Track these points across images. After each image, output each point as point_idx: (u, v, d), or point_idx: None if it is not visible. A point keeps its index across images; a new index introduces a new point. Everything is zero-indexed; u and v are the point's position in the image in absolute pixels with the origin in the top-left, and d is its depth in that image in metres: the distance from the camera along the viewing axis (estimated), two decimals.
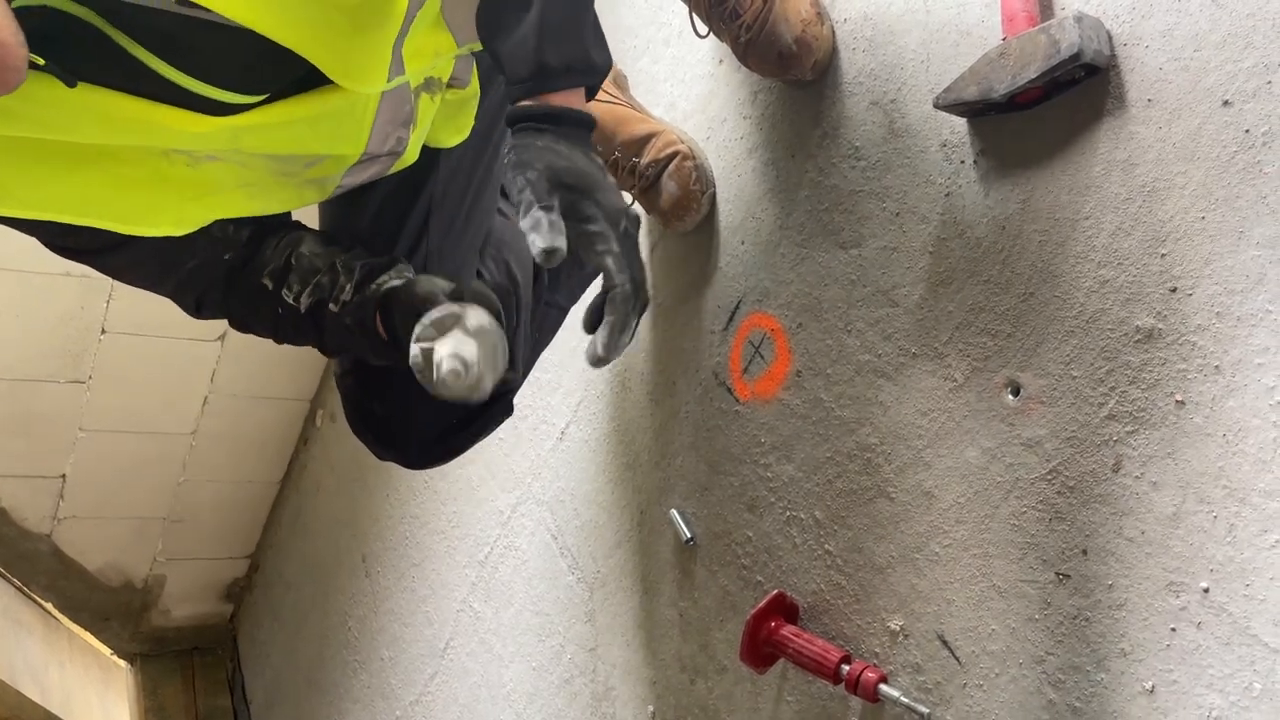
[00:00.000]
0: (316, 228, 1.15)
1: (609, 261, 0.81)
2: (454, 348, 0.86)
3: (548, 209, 0.78)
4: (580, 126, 0.84)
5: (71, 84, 0.71)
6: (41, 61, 0.68)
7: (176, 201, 0.86)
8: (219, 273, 1.02)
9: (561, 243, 0.78)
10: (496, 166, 1.20)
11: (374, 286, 1.01)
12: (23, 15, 0.66)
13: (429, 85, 0.94)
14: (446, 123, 1.08)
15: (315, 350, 1.10)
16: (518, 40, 0.82)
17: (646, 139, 1.36)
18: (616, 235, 0.82)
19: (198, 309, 1.05)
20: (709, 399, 1.35)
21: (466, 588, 1.90)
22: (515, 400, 1.27)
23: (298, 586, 2.74)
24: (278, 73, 0.80)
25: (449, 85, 1.01)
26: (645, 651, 1.43)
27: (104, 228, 0.84)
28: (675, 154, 1.34)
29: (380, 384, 1.13)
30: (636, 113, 1.41)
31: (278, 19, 0.72)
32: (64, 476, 2.57)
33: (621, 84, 1.49)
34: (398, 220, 1.11)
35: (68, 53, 0.70)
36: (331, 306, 1.02)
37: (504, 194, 1.29)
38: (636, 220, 0.84)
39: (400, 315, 0.95)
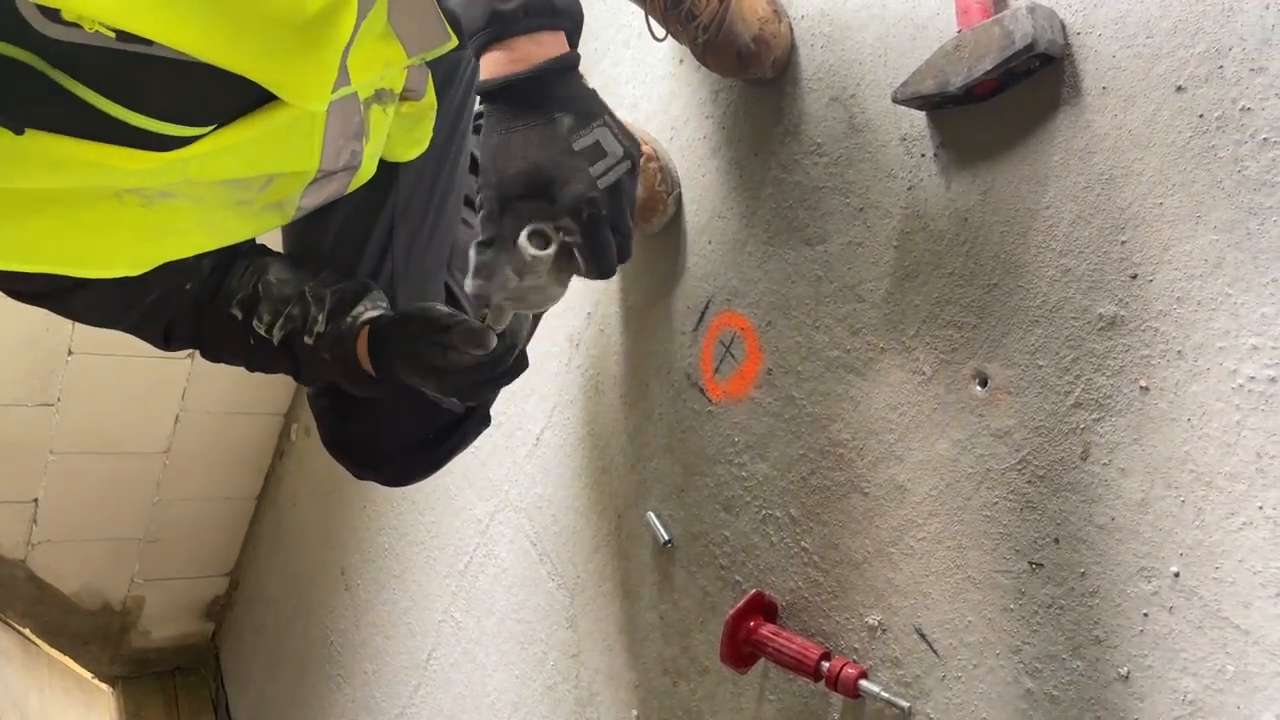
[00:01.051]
0: (280, 249, 1.14)
1: (578, 256, 0.81)
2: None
3: (482, 247, 0.78)
4: (540, 85, 0.78)
5: (19, 132, 0.69)
6: None
7: (132, 243, 0.84)
8: (185, 303, 1.01)
9: (485, 290, 0.80)
10: (459, 177, 1.19)
11: (350, 319, 1.00)
12: None
13: (380, 97, 0.93)
14: (403, 136, 1.07)
15: None
16: None
17: None
18: (581, 226, 0.79)
19: (166, 341, 1.04)
20: (682, 400, 1.35)
21: (447, 598, 1.89)
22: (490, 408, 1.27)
23: (278, 602, 2.72)
24: (227, 100, 0.78)
25: (403, 97, 1.00)
26: (627, 656, 1.42)
27: (58, 273, 0.82)
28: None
29: (355, 403, 1.12)
30: None
31: (226, 46, 0.70)
32: (36, 501, 2.54)
33: None
34: (361, 238, 1.10)
35: (9, 97, 0.68)
36: (306, 339, 1.01)
37: (469, 203, 1.28)
38: (607, 196, 0.80)
39: (417, 337, 0.95)
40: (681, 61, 1.37)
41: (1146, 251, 0.84)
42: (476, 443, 1.27)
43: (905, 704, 1.02)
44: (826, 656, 1.08)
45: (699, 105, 1.34)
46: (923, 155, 1.04)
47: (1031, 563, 0.92)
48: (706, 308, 1.31)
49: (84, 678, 2.99)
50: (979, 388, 0.98)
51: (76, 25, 0.62)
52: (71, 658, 2.93)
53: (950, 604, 0.99)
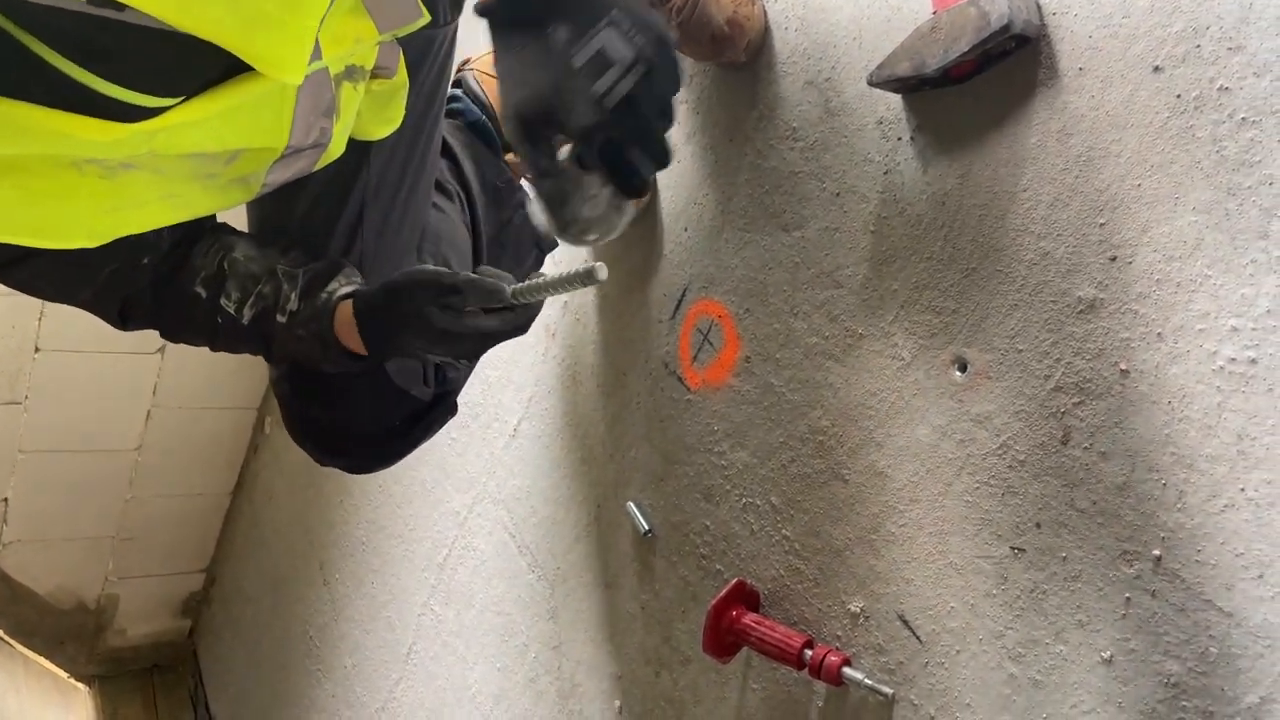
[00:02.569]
0: (245, 229, 1.11)
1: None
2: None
3: (540, 179, 0.75)
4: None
5: None
6: None
7: (90, 214, 0.82)
8: (143, 280, 0.98)
9: (555, 222, 0.77)
10: (431, 159, 1.17)
11: (325, 295, 0.98)
12: None
13: (351, 74, 0.91)
14: (374, 115, 1.05)
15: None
16: None
17: None
18: (595, 155, 0.74)
19: (123, 320, 1.01)
20: (660, 389, 1.34)
21: (427, 591, 1.87)
22: (465, 399, 1.25)
23: (256, 598, 2.70)
24: (198, 71, 0.76)
25: (374, 75, 0.98)
26: (609, 646, 1.41)
27: (12, 243, 0.80)
28: None
29: (318, 387, 1.10)
30: None
31: (201, 13, 0.68)
32: (6, 500, 2.50)
33: None
34: (330, 218, 1.08)
35: None
36: (279, 318, 0.98)
37: (438, 186, 1.26)
38: (618, 114, 0.73)
39: (426, 302, 0.91)
40: None
41: (1125, 234, 0.84)
42: (453, 434, 1.26)
43: (889, 690, 1.01)
44: (809, 644, 1.07)
45: None
46: (899, 139, 1.03)
47: (1013, 548, 0.92)
48: (683, 295, 1.30)
49: (61, 677, 2.96)
50: (958, 373, 0.97)
51: None
52: (47, 658, 2.90)
53: (932, 590, 0.99)
